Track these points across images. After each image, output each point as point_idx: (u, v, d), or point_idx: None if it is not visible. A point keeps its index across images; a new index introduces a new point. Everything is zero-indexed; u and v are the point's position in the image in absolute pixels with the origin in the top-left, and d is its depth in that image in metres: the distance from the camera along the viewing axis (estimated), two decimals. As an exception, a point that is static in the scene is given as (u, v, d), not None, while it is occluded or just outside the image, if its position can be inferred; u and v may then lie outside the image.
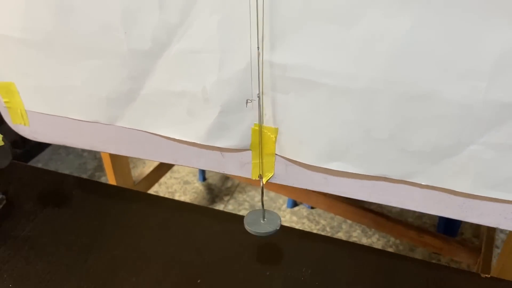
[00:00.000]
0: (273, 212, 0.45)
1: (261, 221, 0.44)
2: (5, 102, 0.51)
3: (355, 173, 0.42)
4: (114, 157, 1.07)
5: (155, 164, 1.31)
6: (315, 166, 0.43)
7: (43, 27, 0.42)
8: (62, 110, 0.49)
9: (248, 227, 0.43)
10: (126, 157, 1.15)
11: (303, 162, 0.43)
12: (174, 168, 1.55)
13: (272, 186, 1.31)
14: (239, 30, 0.37)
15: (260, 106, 0.41)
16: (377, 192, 0.43)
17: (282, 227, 0.45)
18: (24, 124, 0.52)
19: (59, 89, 0.47)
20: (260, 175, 0.46)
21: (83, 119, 0.49)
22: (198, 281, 0.49)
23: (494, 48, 0.32)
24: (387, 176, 0.41)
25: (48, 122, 0.51)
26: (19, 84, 0.48)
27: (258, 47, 0.37)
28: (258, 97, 0.40)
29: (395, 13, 0.32)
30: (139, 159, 1.64)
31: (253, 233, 0.43)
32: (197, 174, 1.53)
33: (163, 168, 1.35)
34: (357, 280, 0.49)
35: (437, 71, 0.34)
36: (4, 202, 0.64)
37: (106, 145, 0.50)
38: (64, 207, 0.59)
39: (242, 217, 0.44)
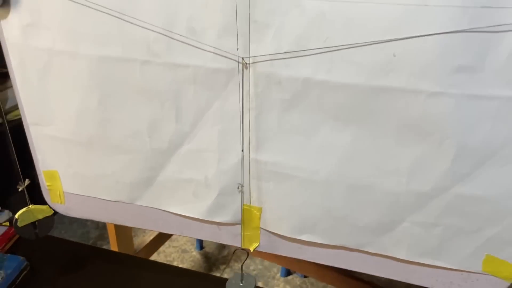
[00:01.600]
0: (251, 276, 0.57)
1: (240, 284, 0.56)
2: (47, 185, 0.64)
3: (322, 243, 0.55)
4: (118, 227, 1.18)
5: (155, 233, 1.41)
6: (291, 237, 0.56)
7: (87, 132, 0.57)
8: (93, 192, 0.62)
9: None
10: (130, 227, 1.26)
11: (282, 234, 0.56)
12: (173, 237, 1.65)
13: (265, 255, 1.40)
14: (233, 137, 0.51)
15: (248, 191, 0.54)
16: (339, 259, 0.56)
17: None
18: (61, 203, 0.65)
19: (93, 177, 0.61)
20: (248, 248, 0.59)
21: (110, 199, 0.62)
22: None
23: (408, 155, 0.46)
24: (345, 246, 0.54)
25: (80, 201, 0.64)
26: (61, 172, 0.62)
27: (242, 150, 0.51)
28: (248, 183, 0.54)
29: (340, 129, 0.47)
30: (139, 228, 1.74)
31: None
32: (195, 243, 1.62)
33: (163, 237, 1.46)
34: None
35: (372, 170, 0.48)
36: (28, 268, 0.75)
37: (126, 220, 0.63)
38: (81, 273, 0.69)
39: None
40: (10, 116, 1.93)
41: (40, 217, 0.66)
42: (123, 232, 1.22)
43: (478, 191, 0.45)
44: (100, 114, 0.55)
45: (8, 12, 0.52)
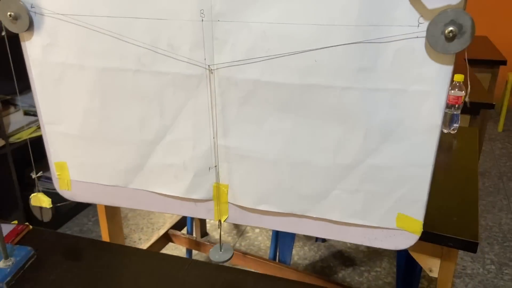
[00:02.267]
0: (229, 245, 0.71)
1: (220, 251, 0.71)
2: (57, 174, 0.79)
3: (275, 211, 0.69)
4: (110, 231, 1.31)
5: (151, 242, 1.54)
6: (252, 208, 0.70)
7: (91, 128, 0.72)
8: (94, 178, 0.77)
9: (211, 257, 0.69)
10: (121, 229, 1.39)
11: (245, 206, 0.71)
12: (168, 246, 1.78)
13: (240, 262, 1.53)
14: (204, 128, 0.67)
15: (217, 171, 0.69)
16: (290, 225, 0.70)
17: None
18: (68, 189, 0.80)
19: (95, 165, 0.76)
20: (219, 220, 0.73)
21: (108, 184, 0.77)
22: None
23: (332, 136, 0.61)
24: (294, 212, 0.69)
25: (84, 187, 0.79)
26: (69, 162, 0.77)
27: (214, 137, 0.67)
28: (215, 166, 0.69)
29: (282, 118, 0.63)
30: (138, 238, 1.87)
31: (214, 261, 0.69)
32: (186, 254, 1.75)
33: (156, 246, 1.59)
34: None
35: (307, 149, 0.63)
36: (35, 256, 0.89)
37: (121, 202, 0.77)
38: (80, 261, 0.83)
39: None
40: (12, 139, 2.08)
41: (44, 205, 0.80)
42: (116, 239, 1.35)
43: (385, 162, 0.61)
44: (101, 113, 0.71)
45: (32, 35, 0.68)
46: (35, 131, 2.21)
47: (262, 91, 0.62)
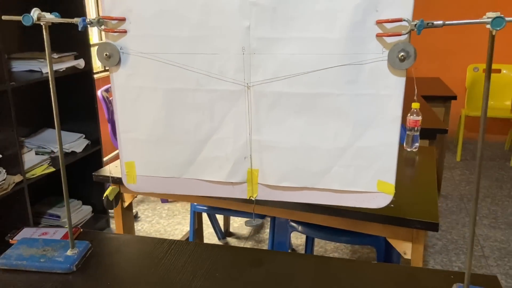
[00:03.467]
0: (259, 219, 0.99)
1: (253, 221, 0.99)
2: (126, 171, 1.05)
3: (293, 187, 0.98)
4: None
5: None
6: (276, 186, 0.99)
7: (157, 134, 1.00)
8: (156, 172, 1.04)
9: (247, 225, 0.97)
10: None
11: (270, 184, 0.99)
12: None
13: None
14: (242, 128, 0.96)
15: (250, 160, 0.98)
16: (304, 196, 0.99)
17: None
18: (134, 183, 1.06)
19: (157, 162, 1.03)
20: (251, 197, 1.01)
21: (166, 176, 1.04)
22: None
23: (333, 127, 0.92)
24: (307, 186, 0.98)
25: (146, 181, 1.05)
26: (137, 161, 1.04)
27: (249, 134, 0.96)
28: (250, 155, 0.98)
29: (298, 118, 0.93)
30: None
31: (248, 226, 0.97)
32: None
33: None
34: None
35: (316, 138, 0.93)
36: (92, 249, 1.14)
37: (176, 190, 1.04)
38: (126, 254, 1.08)
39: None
40: (28, 175, 2.31)
41: (115, 194, 1.07)
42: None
43: (367, 143, 0.92)
44: (165, 122, 0.99)
45: (119, 68, 0.97)
46: (46, 168, 2.43)
47: (283, 99, 0.92)
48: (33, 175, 2.34)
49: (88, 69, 2.58)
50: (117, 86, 0.99)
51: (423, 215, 1.37)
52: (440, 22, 0.79)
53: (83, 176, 2.67)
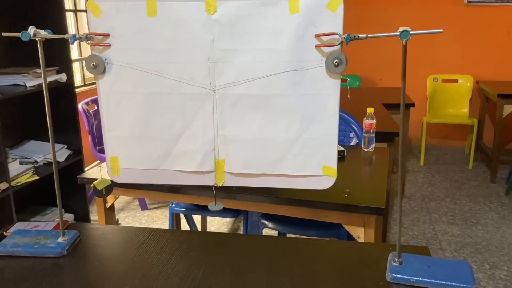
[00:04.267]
0: (220, 203, 1.17)
1: (214, 205, 1.17)
2: (111, 165, 1.22)
3: (254, 173, 1.17)
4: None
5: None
6: (239, 173, 1.17)
7: (137, 131, 1.18)
8: (137, 165, 1.21)
9: (210, 208, 1.15)
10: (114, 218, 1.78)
11: (235, 172, 1.17)
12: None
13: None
14: (209, 125, 1.15)
15: (217, 151, 1.17)
16: (263, 181, 1.17)
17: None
18: (118, 175, 1.23)
19: (138, 156, 1.20)
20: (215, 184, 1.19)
21: (146, 168, 1.21)
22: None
23: (284, 122, 1.11)
24: (265, 172, 1.16)
25: (128, 172, 1.22)
26: (120, 156, 1.21)
27: (215, 129, 1.15)
28: (217, 148, 1.16)
29: (256, 114, 1.12)
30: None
31: (211, 209, 1.15)
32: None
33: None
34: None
35: (271, 131, 1.12)
36: (80, 237, 1.29)
37: (155, 179, 1.21)
38: (109, 242, 1.24)
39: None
40: (13, 183, 2.43)
41: (105, 184, 1.23)
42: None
43: (313, 135, 1.11)
44: (144, 121, 1.17)
45: (103, 76, 1.15)
46: (31, 176, 2.56)
47: (243, 100, 1.11)
48: (18, 183, 2.47)
49: (70, 83, 2.73)
50: (102, 92, 1.16)
51: (372, 203, 1.57)
52: (364, 35, 1.00)
53: (65, 184, 2.79)
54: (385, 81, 4.41)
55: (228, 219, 3.09)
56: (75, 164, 2.80)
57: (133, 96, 1.15)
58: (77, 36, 1.10)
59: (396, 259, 1.11)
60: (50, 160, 2.67)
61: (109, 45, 1.12)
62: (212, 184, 1.20)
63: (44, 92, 1.14)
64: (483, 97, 4.27)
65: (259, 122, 1.13)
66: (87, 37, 1.11)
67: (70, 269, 1.16)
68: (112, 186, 1.24)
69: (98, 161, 3.41)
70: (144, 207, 3.35)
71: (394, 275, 1.08)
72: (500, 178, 3.83)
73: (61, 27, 2.59)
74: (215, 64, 1.10)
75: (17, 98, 2.62)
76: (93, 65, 1.13)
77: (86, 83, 3.87)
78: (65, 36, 1.09)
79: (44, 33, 1.11)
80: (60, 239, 1.29)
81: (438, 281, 1.05)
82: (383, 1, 4.32)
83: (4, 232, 1.38)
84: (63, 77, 2.64)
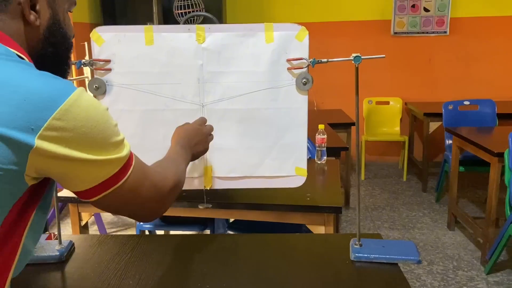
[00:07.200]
0: (208, 204, 1.36)
1: (204, 204, 1.36)
2: (109, 175, 1.37)
3: (238, 176, 1.37)
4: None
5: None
6: (225, 176, 1.37)
7: (134, 143, 1.34)
8: (133, 174, 1.37)
9: (200, 206, 1.34)
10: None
11: (221, 175, 1.37)
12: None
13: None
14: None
15: (206, 158, 1.36)
16: (245, 183, 1.38)
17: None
18: (114, 184, 1.37)
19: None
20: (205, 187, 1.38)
21: (141, 176, 1.37)
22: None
23: (263, 132, 1.34)
24: (246, 175, 1.37)
25: (125, 182, 1.38)
26: (117, 166, 1.36)
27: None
28: (205, 155, 1.36)
29: (239, 126, 1.34)
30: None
31: (202, 207, 1.34)
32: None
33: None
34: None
35: (252, 139, 1.34)
36: (74, 245, 1.42)
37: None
38: (100, 250, 1.38)
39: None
40: None
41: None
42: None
43: (287, 141, 1.35)
44: (141, 135, 1.34)
45: (104, 96, 1.31)
46: None
47: (228, 114, 1.33)
48: None
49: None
50: (103, 110, 1.32)
51: (331, 203, 1.82)
52: (325, 59, 1.26)
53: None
54: (326, 104, 4.81)
55: (194, 233, 3.22)
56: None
57: (131, 113, 1.33)
58: (83, 61, 1.26)
59: (357, 242, 1.36)
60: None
61: (110, 70, 1.30)
62: (201, 188, 1.39)
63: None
64: (411, 117, 4.79)
65: (242, 132, 1.34)
66: (91, 63, 1.28)
67: (70, 271, 1.28)
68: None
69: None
70: (103, 230, 3.38)
71: (356, 254, 1.32)
72: (430, 187, 4.29)
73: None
74: (204, 84, 1.31)
75: None
76: (95, 86, 1.30)
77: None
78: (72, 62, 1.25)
79: (50, 59, 1.27)
80: (57, 247, 1.40)
81: (392, 256, 1.30)
82: (323, 33, 4.76)
83: None
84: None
